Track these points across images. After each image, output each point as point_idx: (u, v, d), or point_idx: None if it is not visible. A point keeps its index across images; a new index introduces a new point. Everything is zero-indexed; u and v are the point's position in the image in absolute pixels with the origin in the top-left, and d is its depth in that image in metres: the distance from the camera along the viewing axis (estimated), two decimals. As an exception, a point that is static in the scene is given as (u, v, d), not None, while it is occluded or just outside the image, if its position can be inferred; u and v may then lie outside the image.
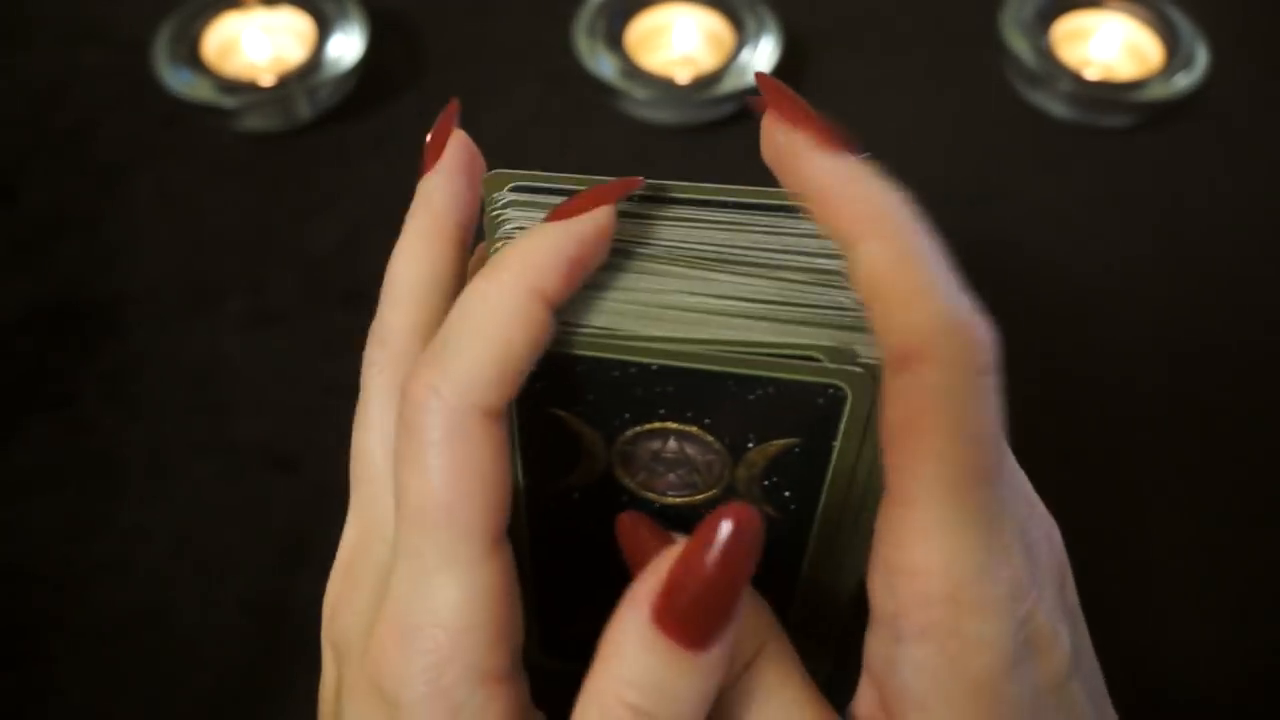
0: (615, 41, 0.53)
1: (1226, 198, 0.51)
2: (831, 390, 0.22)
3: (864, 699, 0.21)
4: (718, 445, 0.23)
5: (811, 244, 0.22)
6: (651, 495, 0.24)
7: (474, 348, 0.19)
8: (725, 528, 0.18)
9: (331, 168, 0.52)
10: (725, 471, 0.24)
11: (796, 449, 0.23)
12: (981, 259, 0.48)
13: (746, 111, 0.53)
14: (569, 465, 0.24)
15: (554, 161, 0.52)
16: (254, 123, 0.52)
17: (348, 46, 0.52)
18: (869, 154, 0.21)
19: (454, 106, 0.25)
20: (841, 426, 0.23)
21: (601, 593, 0.20)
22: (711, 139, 0.53)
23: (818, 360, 0.21)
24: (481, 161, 0.25)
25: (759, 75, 0.22)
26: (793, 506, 0.24)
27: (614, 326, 0.22)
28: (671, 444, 0.23)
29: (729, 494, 0.24)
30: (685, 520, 0.24)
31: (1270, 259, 0.49)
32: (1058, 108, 0.53)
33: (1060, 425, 0.43)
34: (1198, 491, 0.42)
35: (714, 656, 0.18)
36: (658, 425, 0.23)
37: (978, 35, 0.56)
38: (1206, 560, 0.40)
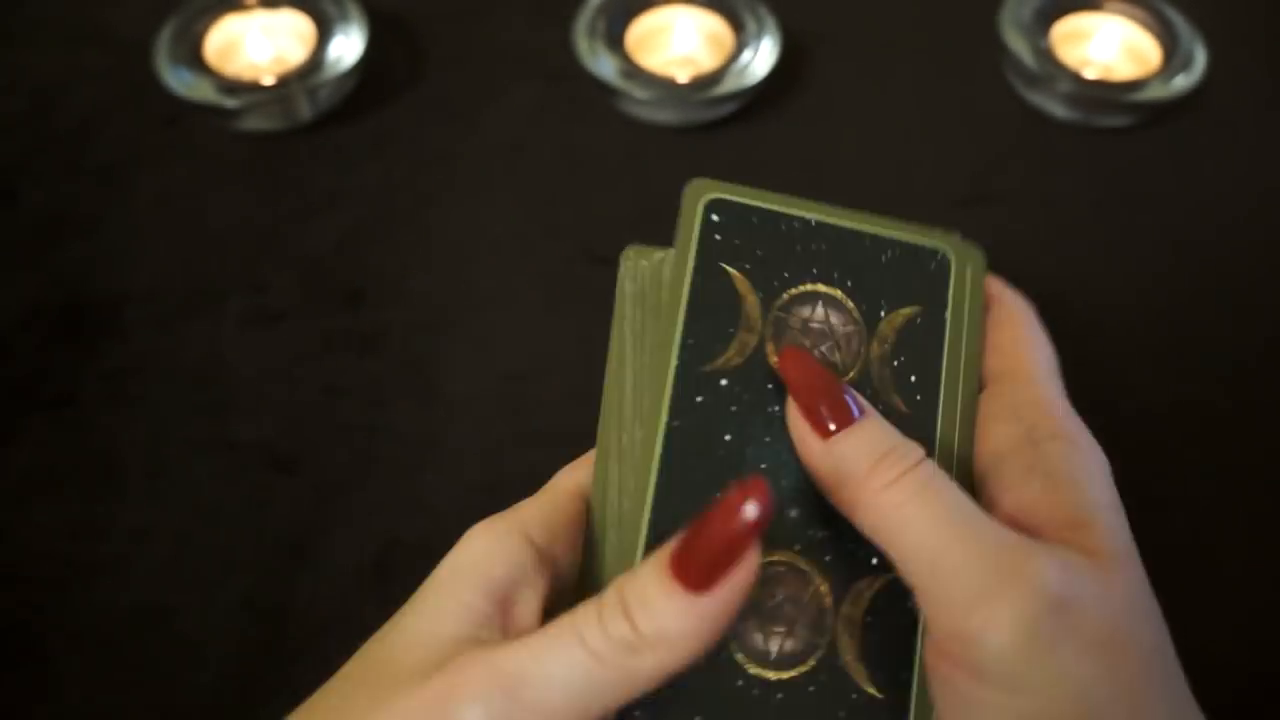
0: (615, 41, 0.53)
1: (1226, 198, 0.51)
2: (939, 255, 0.30)
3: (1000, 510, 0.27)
4: (856, 313, 0.29)
5: None
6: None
7: None
8: (748, 510, 0.22)
9: (331, 168, 0.52)
10: (862, 348, 0.29)
11: (919, 319, 0.29)
12: (981, 259, 0.48)
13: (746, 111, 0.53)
14: (726, 337, 0.29)
15: (554, 161, 0.52)
16: (254, 123, 0.52)
17: (348, 47, 0.52)
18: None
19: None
20: (949, 294, 0.30)
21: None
22: (711, 139, 0.53)
23: (930, 229, 0.30)
24: None
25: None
26: (917, 396, 0.29)
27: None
28: (819, 311, 0.29)
29: (865, 381, 0.29)
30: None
31: (1271, 259, 0.49)
32: (1057, 108, 0.53)
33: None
34: (1195, 490, 0.42)
35: (713, 600, 0.23)
36: (809, 287, 0.29)
37: (977, 35, 0.56)
38: (1207, 562, 0.40)
